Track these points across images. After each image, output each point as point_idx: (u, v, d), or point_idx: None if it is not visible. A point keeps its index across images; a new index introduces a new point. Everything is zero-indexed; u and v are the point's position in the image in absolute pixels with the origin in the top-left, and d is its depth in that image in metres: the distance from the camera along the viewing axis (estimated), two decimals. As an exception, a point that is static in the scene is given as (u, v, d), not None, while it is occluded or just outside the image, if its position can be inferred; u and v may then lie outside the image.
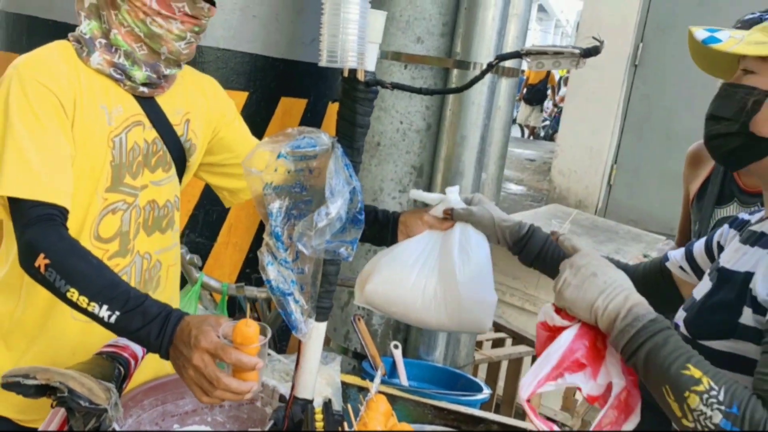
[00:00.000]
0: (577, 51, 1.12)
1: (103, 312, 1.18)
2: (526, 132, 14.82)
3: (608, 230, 4.50)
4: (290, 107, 2.65)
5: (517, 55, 1.17)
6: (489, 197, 2.38)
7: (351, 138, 1.31)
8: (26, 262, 1.23)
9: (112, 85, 1.41)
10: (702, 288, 1.25)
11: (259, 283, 2.69)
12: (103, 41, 1.40)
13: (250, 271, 2.69)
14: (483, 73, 1.23)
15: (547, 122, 14.96)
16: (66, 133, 1.33)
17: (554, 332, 1.15)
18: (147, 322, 1.18)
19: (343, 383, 1.74)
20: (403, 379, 2.14)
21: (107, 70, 1.40)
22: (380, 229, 1.59)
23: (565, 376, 1.13)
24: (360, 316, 2.19)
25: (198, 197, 2.53)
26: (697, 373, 0.99)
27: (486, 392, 2.02)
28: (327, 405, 1.36)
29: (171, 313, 1.19)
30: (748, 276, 1.11)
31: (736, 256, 1.20)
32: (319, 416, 1.28)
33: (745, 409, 0.95)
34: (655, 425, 1.19)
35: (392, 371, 2.18)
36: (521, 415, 3.04)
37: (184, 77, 1.55)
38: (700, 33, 1.18)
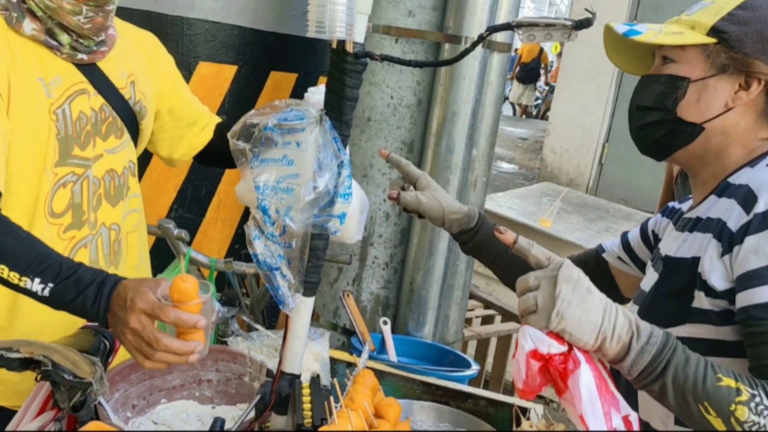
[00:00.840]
0: (569, 23, 1.10)
1: (36, 285, 1.12)
2: (518, 110, 14.78)
3: (599, 208, 4.51)
4: (280, 81, 2.62)
5: (508, 26, 1.15)
6: (480, 173, 2.37)
7: (339, 111, 1.29)
8: None
9: (49, 55, 1.34)
10: (648, 279, 1.25)
11: (249, 258, 2.68)
12: (25, 5, 1.31)
13: (239, 247, 2.68)
14: (474, 45, 1.21)
15: (540, 101, 14.93)
16: (1, 111, 1.27)
17: (548, 361, 0.95)
18: (81, 290, 1.12)
19: (332, 359, 1.73)
20: (392, 355, 2.14)
21: (41, 37, 1.32)
22: None
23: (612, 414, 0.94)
24: (349, 293, 2.19)
25: (186, 172, 2.51)
26: (731, 382, 0.95)
27: (474, 368, 2.02)
28: (314, 380, 1.35)
29: (106, 278, 1.13)
30: (695, 261, 1.12)
31: (676, 243, 1.21)
32: (306, 391, 1.27)
33: None
34: None
35: (381, 347, 2.18)
36: (510, 391, 3.06)
37: (125, 36, 1.49)
38: (620, 27, 1.21)
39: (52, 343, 1.18)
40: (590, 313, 0.95)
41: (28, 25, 1.30)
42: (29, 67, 1.31)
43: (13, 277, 1.13)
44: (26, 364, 1.14)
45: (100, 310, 1.12)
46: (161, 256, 2.39)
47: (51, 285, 1.12)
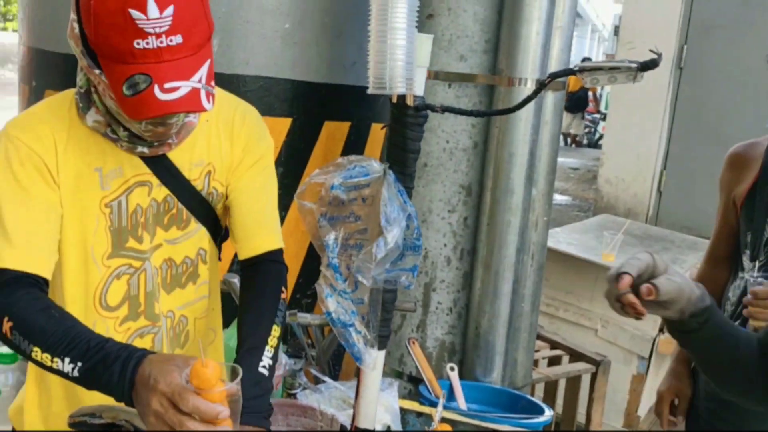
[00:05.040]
0: (634, 65, 1.09)
1: (67, 366, 1.10)
2: (569, 140, 14.65)
3: (663, 239, 4.39)
4: (334, 131, 2.66)
5: (571, 72, 1.15)
6: (540, 213, 2.34)
7: (403, 164, 1.30)
8: None
9: (111, 146, 1.30)
10: None
11: (310, 308, 2.68)
12: (92, 98, 1.28)
13: (300, 297, 2.69)
14: (536, 93, 1.20)
15: (590, 129, 14.77)
16: (51, 197, 1.26)
17: None
18: (107, 366, 1.07)
19: (401, 409, 1.72)
20: (461, 402, 2.10)
21: (102, 129, 1.28)
22: None
23: None
24: (414, 339, 2.17)
25: (248, 225, 2.55)
26: None
27: (548, 414, 1.97)
28: (388, 434, 1.34)
29: (132, 353, 1.09)
30: None
31: None
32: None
33: None
34: None
35: (449, 394, 2.14)
36: (582, 433, 2.97)
37: (213, 119, 1.39)
38: None
39: (132, 408, 1.19)
40: None
41: (91, 117, 1.28)
42: (87, 156, 1.29)
43: (46, 358, 1.12)
44: (109, 429, 1.16)
45: (125, 388, 1.07)
46: (227, 309, 2.41)
47: (80, 364, 1.10)
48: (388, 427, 1.52)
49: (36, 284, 1.22)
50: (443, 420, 1.33)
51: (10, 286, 1.19)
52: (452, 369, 2.20)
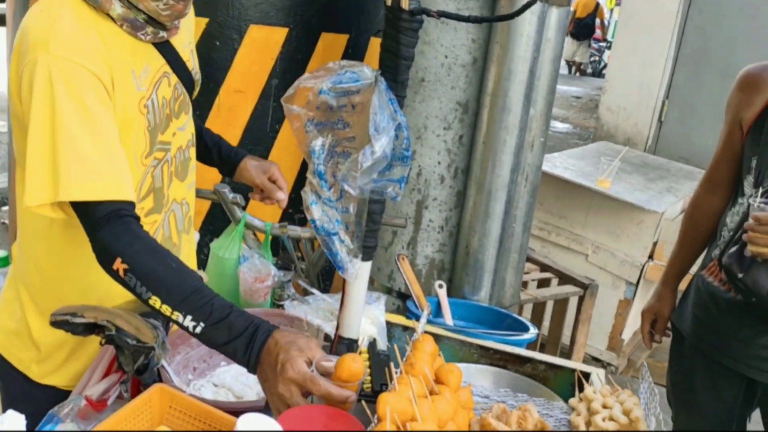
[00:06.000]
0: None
1: (188, 322, 1.12)
2: (573, 68, 14.39)
3: (659, 168, 4.36)
4: (331, 43, 2.59)
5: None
6: (537, 134, 2.30)
7: (395, 71, 1.25)
8: (104, 264, 1.16)
9: (134, 42, 1.27)
10: None
11: (303, 222, 2.68)
12: None
13: (293, 211, 2.68)
14: (536, -1, 1.15)
15: (595, 57, 14.49)
16: (112, 116, 1.21)
17: None
18: (232, 338, 1.12)
19: (388, 323, 1.73)
20: (448, 318, 2.13)
21: (130, 16, 1.23)
22: (221, 164, 1.68)
23: None
24: (404, 256, 2.17)
25: (240, 136, 2.51)
26: None
27: (533, 332, 1.99)
28: (372, 344, 1.34)
29: (258, 329, 1.13)
30: None
31: None
32: (364, 356, 1.27)
33: None
34: None
35: (437, 311, 2.17)
36: (566, 355, 3.03)
37: None
38: None
39: (115, 309, 1.20)
40: None
41: (117, 6, 1.22)
42: (123, 58, 1.24)
43: (166, 309, 1.13)
44: (91, 328, 1.17)
45: (251, 363, 1.12)
46: (216, 221, 2.41)
47: (203, 325, 1.12)
48: (374, 339, 1.53)
49: (132, 214, 1.19)
50: (428, 334, 1.34)
51: (113, 223, 1.16)
52: (441, 286, 2.22)
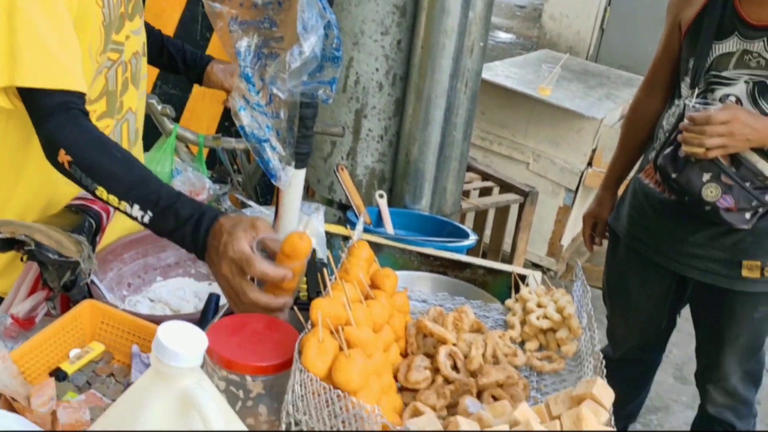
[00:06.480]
0: None
1: (136, 212, 1.10)
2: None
3: (600, 75, 4.37)
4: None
5: None
6: (477, 38, 2.25)
7: (323, -35, 1.18)
8: (49, 157, 1.14)
9: None
10: None
11: (239, 135, 2.61)
12: None
13: (229, 124, 2.61)
14: None
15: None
16: (69, 4, 1.18)
17: None
18: (179, 225, 1.10)
19: (327, 233, 1.71)
20: (389, 227, 2.12)
21: None
22: (186, 70, 1.64)
23: None
24: (343, 166, 2.14)
25: (168, 45, 2.39)
26: None
27: (473, 238, 2.00)
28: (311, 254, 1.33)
29: (203, 215, 1.10)
30: None
31: None
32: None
33: None
34: None
35: (378, 221, 2.16)
36: (507, 261, 3.09)
37: None
38: None
39: (34, 223, 1.14)
40: None
41: None
42: None
43: (113, 200, 1.11)
44: (9, 244, 1.11)
45: (198, 248, 1.10)
46: (147, 133, 2.31)
47: (150, 214, 1.10)
48: (314, 249, 1.51)
49: (80, 108, 1.17)
50: (367, 242, 1.33)
51: (60, 115, 1.14)
52: (381, 196, 2.20)
